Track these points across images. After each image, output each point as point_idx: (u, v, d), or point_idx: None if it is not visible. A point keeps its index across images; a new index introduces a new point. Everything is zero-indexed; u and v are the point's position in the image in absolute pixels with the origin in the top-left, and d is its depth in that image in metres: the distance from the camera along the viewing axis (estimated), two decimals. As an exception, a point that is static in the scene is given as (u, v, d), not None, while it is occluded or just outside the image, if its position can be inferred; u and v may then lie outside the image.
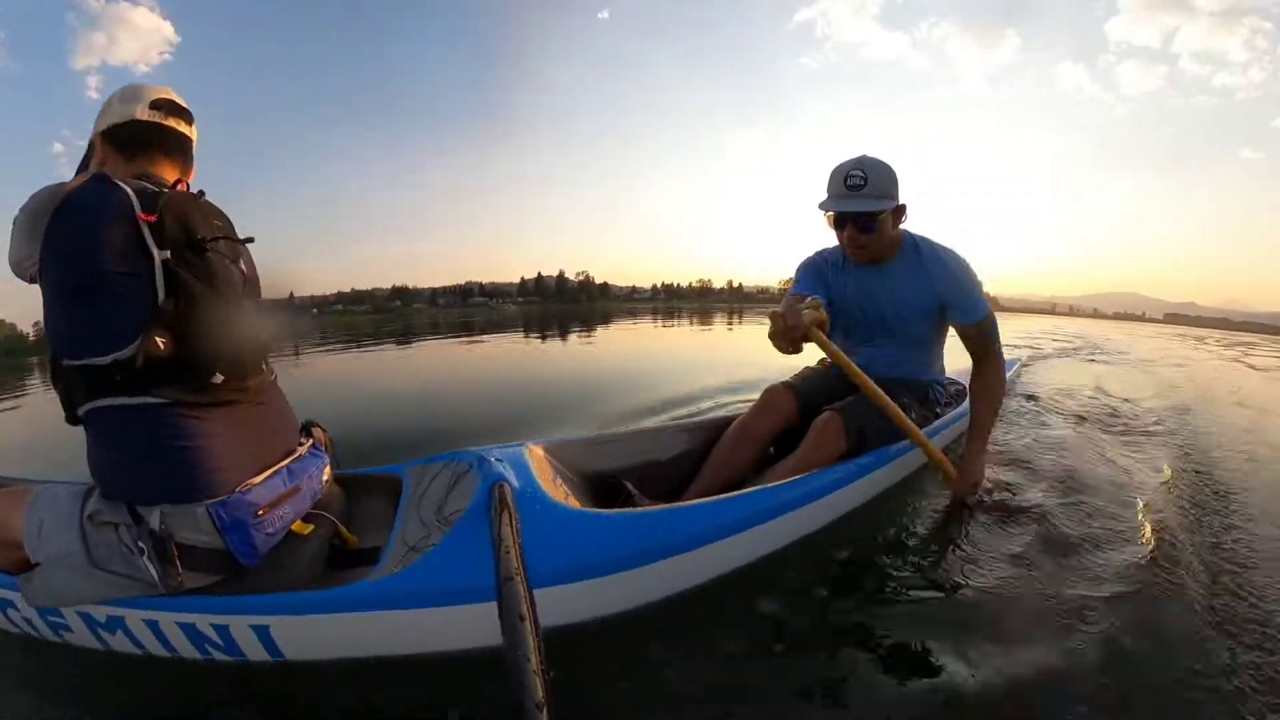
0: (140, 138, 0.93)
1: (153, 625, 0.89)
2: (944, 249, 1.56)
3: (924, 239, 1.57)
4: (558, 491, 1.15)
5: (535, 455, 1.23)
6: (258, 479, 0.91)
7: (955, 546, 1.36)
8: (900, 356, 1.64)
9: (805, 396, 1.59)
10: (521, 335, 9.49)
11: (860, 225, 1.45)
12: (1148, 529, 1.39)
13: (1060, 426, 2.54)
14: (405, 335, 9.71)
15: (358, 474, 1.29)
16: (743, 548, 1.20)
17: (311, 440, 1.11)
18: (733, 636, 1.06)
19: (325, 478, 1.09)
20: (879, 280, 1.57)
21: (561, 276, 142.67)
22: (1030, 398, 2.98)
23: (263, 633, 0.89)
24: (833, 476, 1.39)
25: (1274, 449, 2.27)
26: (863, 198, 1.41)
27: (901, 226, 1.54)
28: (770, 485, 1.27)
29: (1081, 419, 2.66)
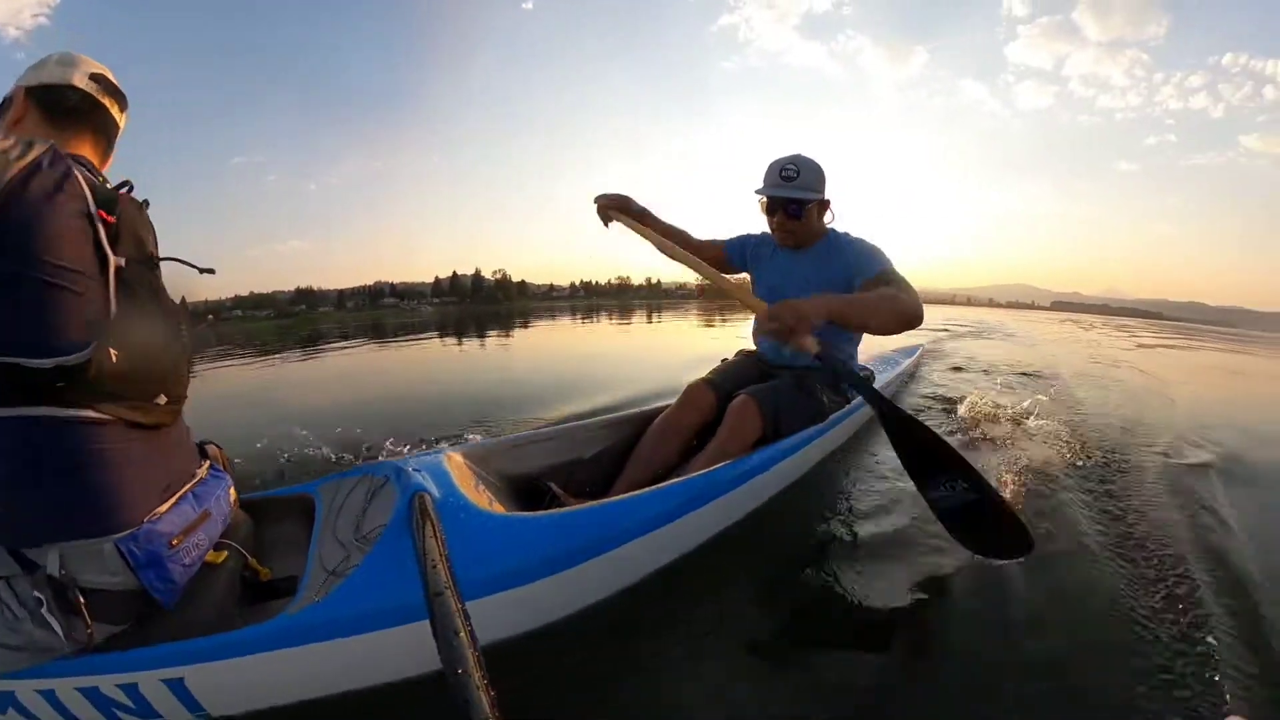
0: (73, 107, 0.84)
1: (48, 696, 0.76)
2: (859, 238, 1.70)
3: (844, 233, 1.72)
4: (481, 498, 1.12)
5: (455, 462, 1.20)
6: (164, 506, 0.82)
7: (876, 531, 1.48)
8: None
9: (724, 389, 1.65)
10: (437, 338, 9.10)
11: (790, 212, 1.64)
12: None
13: (958, 395, 3.14)
14: (312, 342, 9.07)
15: (264, 497, 1.20)
16: (674, 539, 1.22)
17: (209, 461, 1.02)
18: (674, 632, 1.09)
19: (232, 499, 1.01)
20: (797, 264, 1.73)
21: (478, 275, 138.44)
22: (955, 368, 3.84)
23: (177, 686, 0.79)
24: (757, 460, 1.44)
25: (1128, 401, 3.25)
26: (794, 187, 1.61)
27: (827, 223, 1.71)
28: (694, 475, 1.30)
29: (975, 386, 3.46)
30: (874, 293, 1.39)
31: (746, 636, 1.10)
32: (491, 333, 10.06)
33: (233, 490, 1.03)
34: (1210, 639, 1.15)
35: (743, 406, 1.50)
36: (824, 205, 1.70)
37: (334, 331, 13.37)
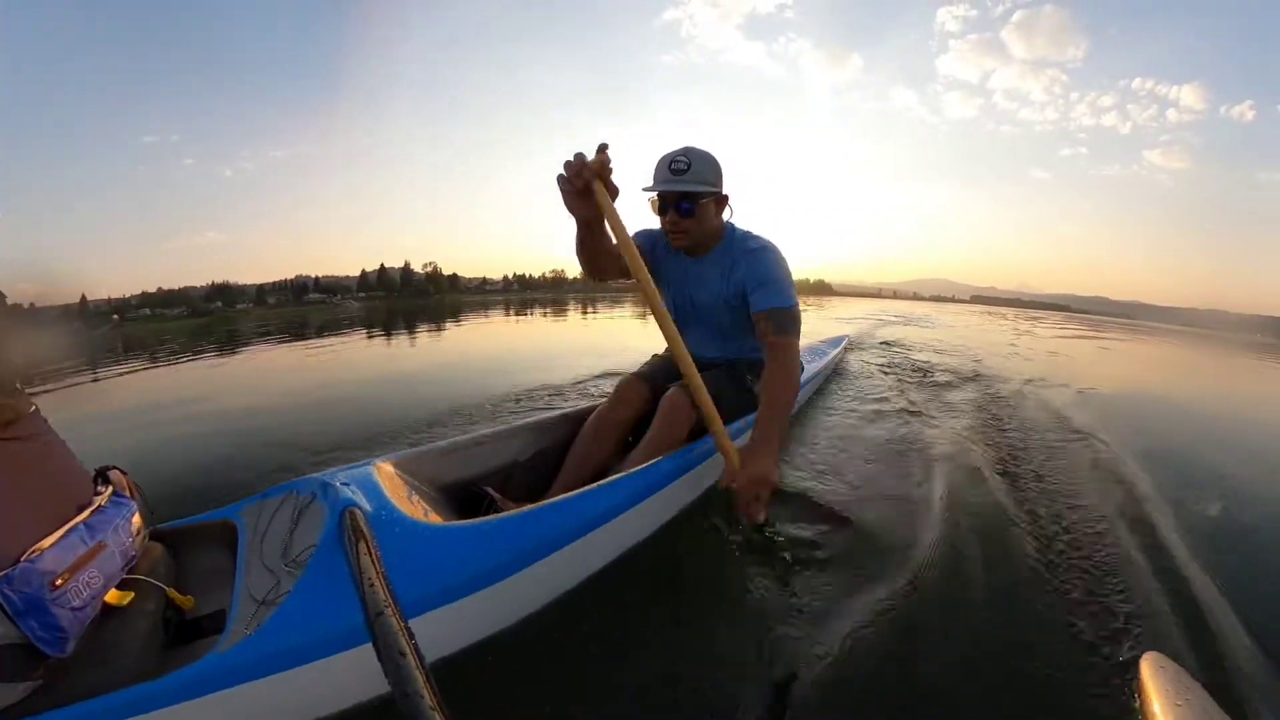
0: None
1: None
2: (759, 240, 1.58)
3: (745, 232, 1.61)
4: (415, 509, 1.09)
5: (385, 473, 1.15)
6: (47, 541, 0.73)
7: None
8: (718, 346, 1.72)
9: (656, 383, 1.64)
10: (364, 336, 8.63)
11: (682, 210, 1.47)
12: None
13: (881, 379, 3.68)
14: (229, 343, 8.46)
15: (180, 526, 1.10)
16: (617, 535, 1.22)
17: (111, 488, 0.93)
18: (626, 628, 1.09)
19: (135, 528, 0.92)
20: (696, 271, 1.62)
21: (407, 268, 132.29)
22: (885, 344, 4.32)
23: None
24: (693, 452, 1.46)
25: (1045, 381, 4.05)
26: (685, 180, 1.45)
27: (729, 220, 1.60)
28: (632, 470, 1.30)
29: (901, 368, 4.24)
30: (771, 386, 1.38)
31: (697, 627, 1.12)
32: (423, 329, 9.70)
33: (138, 518, 0.94)
34: (1119, 582, 1.30)
35: (675, 399, 1.49)
36: (722, 201, 1.55)
37: (255, 330, 12.52)
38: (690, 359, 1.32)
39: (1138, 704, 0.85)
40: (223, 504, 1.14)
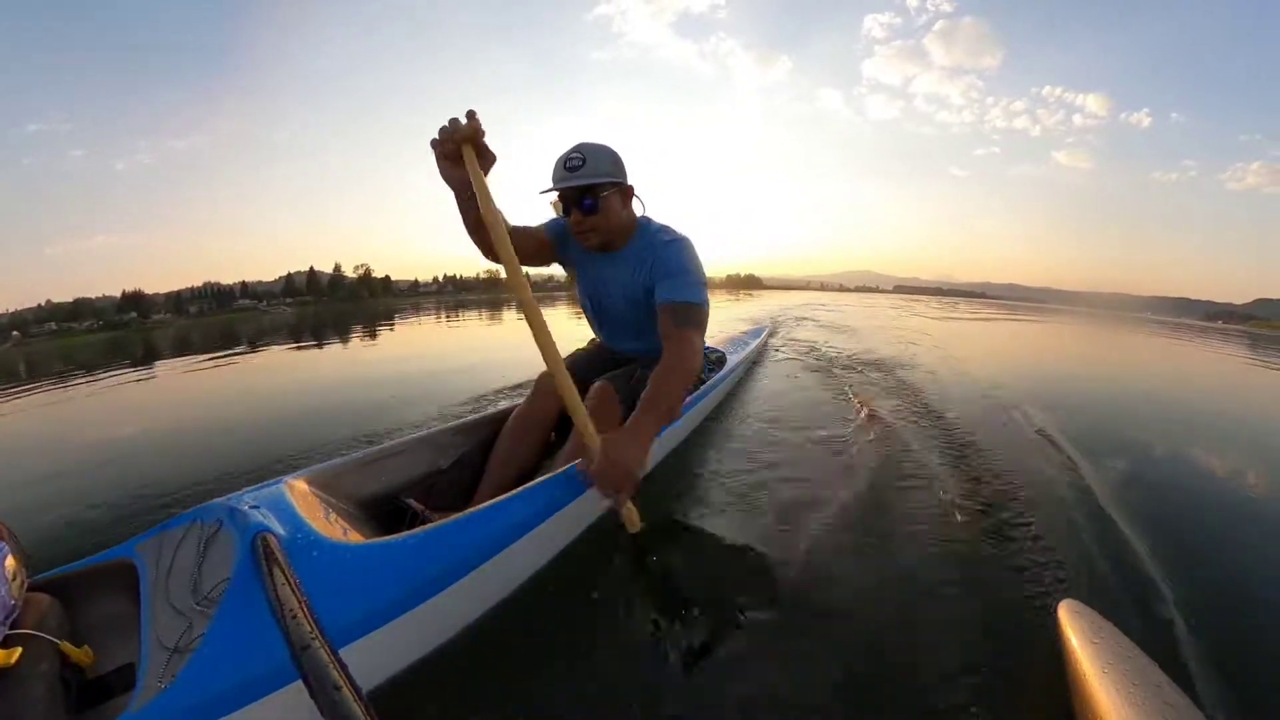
0: None
1: None
2: (673, 234, 1.54)
3: (660, 225, 1.56)
4: (334, 528, 1.02)
5: (298, 491, 1.08)
6: None
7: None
8: (634, 340, 1.68)
9: (578, 377, 1.51)
10: (291, 345, 8.16)
11: (585, 207, 1.41)
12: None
13: (798, 368, 3.95)
14: (144, 359, 7.82)
15: (69, 571, 0.97)
16: (550, 536, 1.19)
17: None
18: (570, 629, 1.07)
19: (10, 574, 0.81)
20: (609, 269, 1.57)
21: (338, 271, 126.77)
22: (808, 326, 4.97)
23: None
24: None
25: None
26: (582, 175, 1.39)
27: (640, 214, 1.56)
28: (560, 470, 1.25)
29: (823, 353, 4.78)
30: (665, 373, 1.30)
31: (638, 625, 1.08)
32: (361, 333, 9.37)
33: (12, 561, 0.82)
34: (1027, 535, 1.44)
35: (600, 392, 1.46)
36: (626, 192, 1.49)
37: (175, 342, 11.68)
38: (558, 354, 1.24)
39: (1060, 647, 0.92)
40: (116, 541, 1.01)
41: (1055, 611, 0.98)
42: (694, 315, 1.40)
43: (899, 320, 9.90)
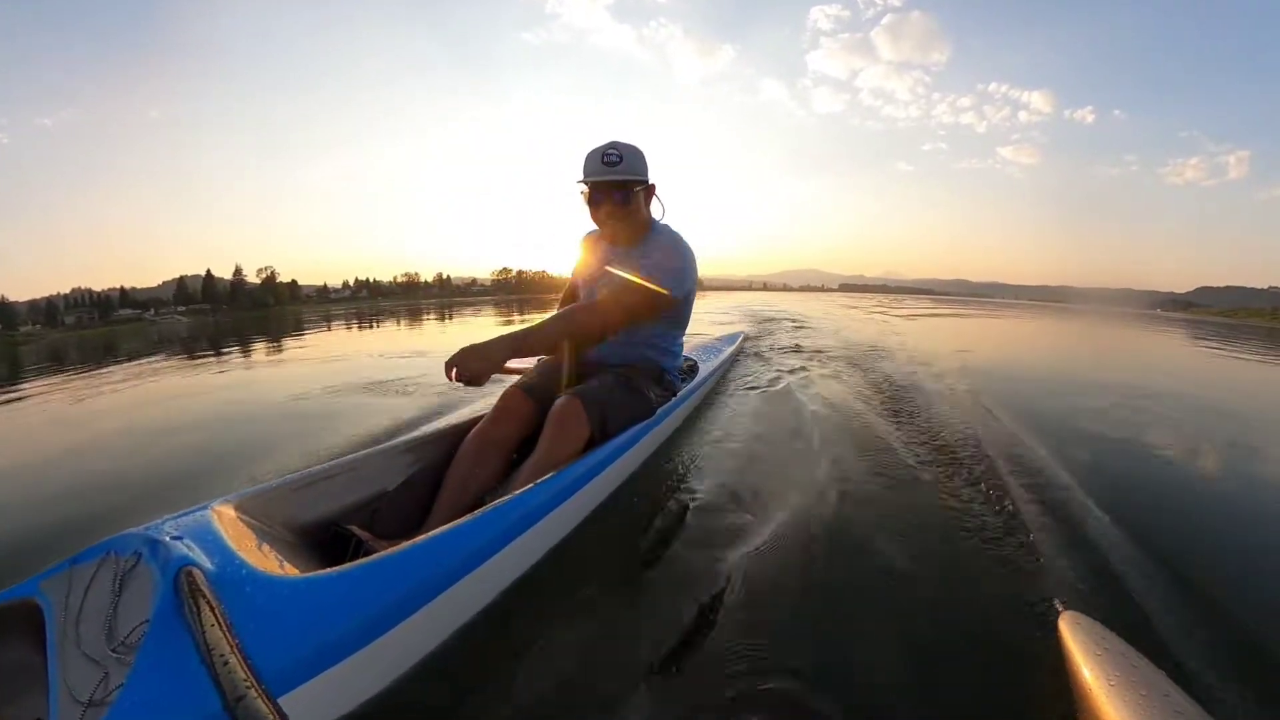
0: None
1: None
2: (675, 235, 1.73)
3: (666, 227, 1.74)
4: (268, 560, 0.93)
5: (226, 518, 0.98)
6: None
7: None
8: (640, 338, 1.74)
9: (542, 394, 1.56)
10: (185, 358, 7.49)
11: (618, 199, 1.61)
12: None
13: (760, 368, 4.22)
14: (11, 377, 6.95)
15: None
16: (509, 564, 1.14)
17: None
18: (530, 659, 1.03)
19: None
20: (614, 261, 1.71)
21: (239, 275, 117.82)
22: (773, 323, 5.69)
23: None
24: (589, 465, 1.40)
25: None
26: (619, 171, 1.59)
27: (660, 217, 1.72)
28: (522, 491, 1.21)
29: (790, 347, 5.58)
30: (556, 316, 1.55)
31: (601, 650, 1.06)
32: (261, 346, 8.70)
33: None
34: (1033, 540, 1.48)
35: (566, 407, 1.42)
36: (650, 191, 1.70)
37: (49, 357, 10.42)
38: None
39: (1063, 660, 0.93)
40: (17, 579, 0.89)
41: (1057, 624, 0.99)
42: (646, 299, 1.59)
43: (839, 323, 9.52)
